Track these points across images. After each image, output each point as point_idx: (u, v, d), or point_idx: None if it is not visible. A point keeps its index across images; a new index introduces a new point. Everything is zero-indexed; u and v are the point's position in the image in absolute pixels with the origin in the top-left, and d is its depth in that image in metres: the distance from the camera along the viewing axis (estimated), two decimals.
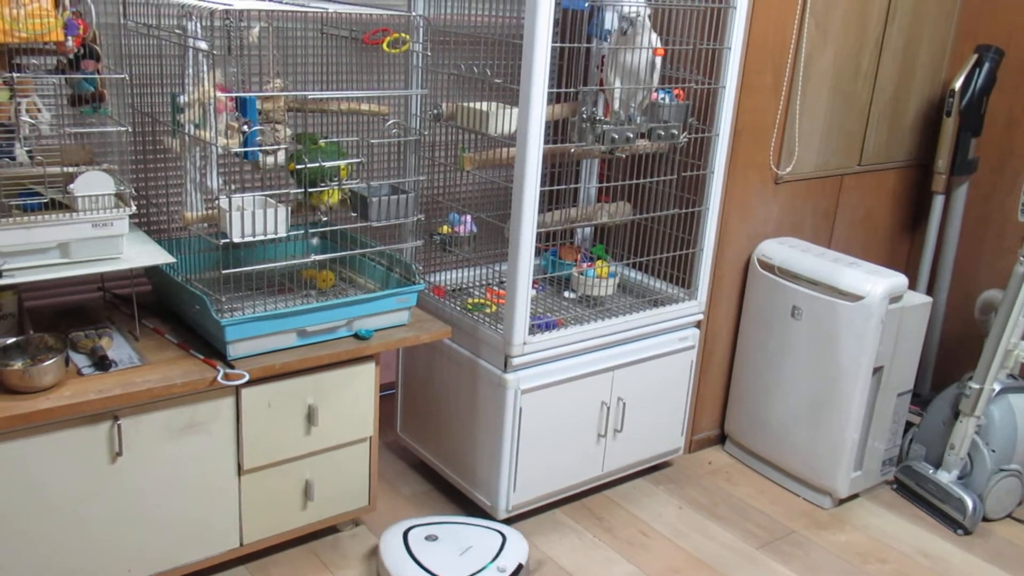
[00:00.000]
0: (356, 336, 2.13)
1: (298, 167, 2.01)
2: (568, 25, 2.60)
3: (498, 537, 2.23)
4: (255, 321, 1.95)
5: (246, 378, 1.91)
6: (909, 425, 2.98)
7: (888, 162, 3.26)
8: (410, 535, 2.20)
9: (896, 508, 2.82)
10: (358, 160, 2.07)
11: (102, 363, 1.88)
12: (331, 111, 2.24)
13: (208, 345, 2.02)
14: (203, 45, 1.86)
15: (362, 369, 2.16)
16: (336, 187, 2.05)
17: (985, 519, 2.76)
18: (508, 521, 2.54)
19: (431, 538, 2.19)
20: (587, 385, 2.49)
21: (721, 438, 3.13)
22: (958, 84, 3.07)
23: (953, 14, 3.24)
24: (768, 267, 2.84)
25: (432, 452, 2.68)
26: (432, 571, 2.07)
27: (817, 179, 3.03)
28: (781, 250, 2.84)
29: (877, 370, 2.69)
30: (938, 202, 3.25)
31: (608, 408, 2.56)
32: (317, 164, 2.00)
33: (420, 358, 2.64)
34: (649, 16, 2.24)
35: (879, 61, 3.06)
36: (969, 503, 2.68)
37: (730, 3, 2.43)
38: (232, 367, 1.93)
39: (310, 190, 2.02)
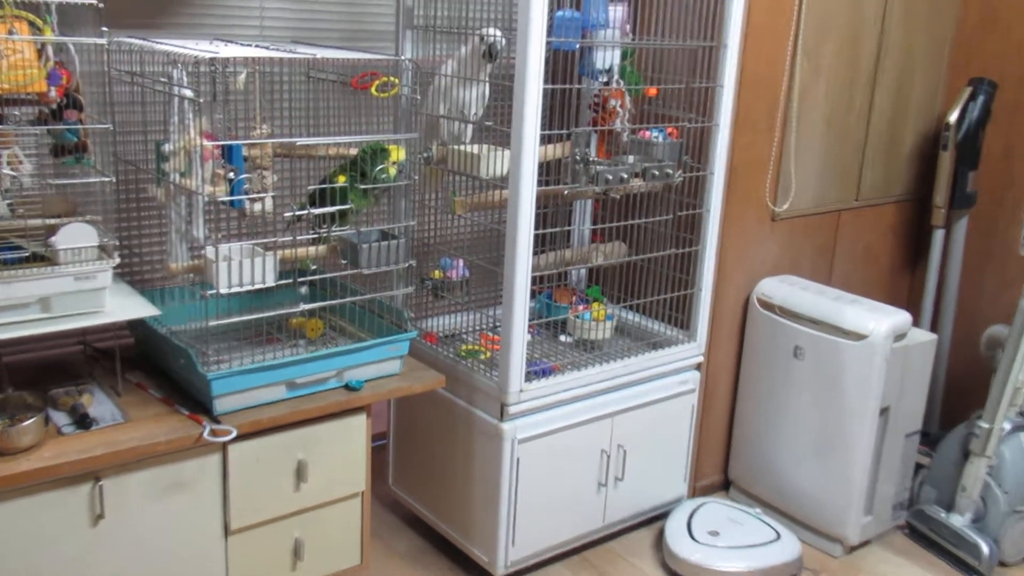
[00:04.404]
0: (347, 387, 2.13)
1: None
2: (558, 66, 2.64)
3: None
4: (243, 374, 1.94)
5: (233, 434, 1.89)
6: (919, 467, 2.97)
7: (886, 197, 3.29)
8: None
9: (909, 554, 2.80)
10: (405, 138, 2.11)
11: (83, 421, 1.87)
12: (319, 157, 2.25)
13: (193, 400, 2.00)
14: (188, 93, 1.88)
15: (353, 421, 2.15)
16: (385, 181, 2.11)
17: (1002, 563, 2.74)
18: None
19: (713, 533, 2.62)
20: (586, 432, 2.48)
21: (725, 484, 3.11)
22: (953, 117, 3.13)
23: (945, 47, 3.30)
24: (768, 306, 2.85)
25: (426, 506, 2.65)
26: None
27: (814, 215, 3.06)
28: (781, 288, 2.86)
29: (884, 410, 2.69)
30: (938, 236, 3.29)
31: (608, 456, 2.55)
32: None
33: (413, 408, 2.63)
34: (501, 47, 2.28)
35: (872, 96, 3.11)
36: (984, 548, 2.66)
37: (722, 41, 2.48)
38: (219, 422, 1.92)
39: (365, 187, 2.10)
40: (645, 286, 2.70)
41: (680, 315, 2.69)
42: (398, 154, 2.13)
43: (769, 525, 2.69)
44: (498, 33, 2.25)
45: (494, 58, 2.27)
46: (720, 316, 2.89)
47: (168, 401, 2.00)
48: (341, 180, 2.08)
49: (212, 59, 1.86)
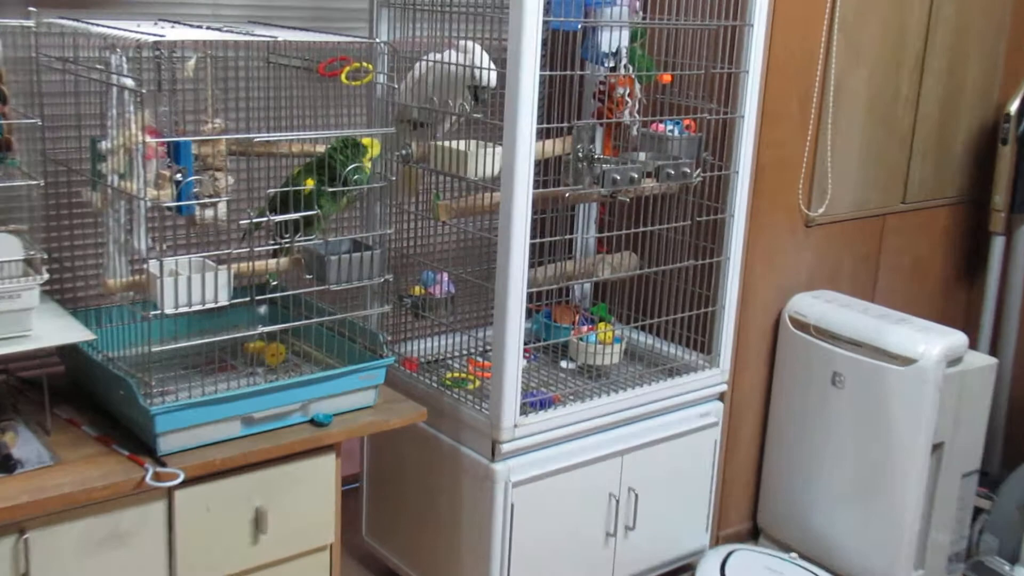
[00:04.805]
0: (312, 422, 2.13)
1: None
2: (557, 49, 2.66)
3: None
4: (191, 408, 1.94)
5: (181, 478, 1.89)
6: (978, 512, 2.98)
7: (937, 199, 3.32)
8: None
9: None
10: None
11: (5, 464, 1.87)
12: (281, 155, 2.26)
13: (134, 438, 2.01)
14: (129, 82, 1.89)
15: (320, 462, 2.15)
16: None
17: None
18: None
19: None
20: (591, 474, 2.49)
21: (754, 533, 3.12)
22: (1014, 107, 3.16)
23: (1004, 26, 3.34)
24: (802, 326, 2.87)
25: (405, 560, 2.65)
26: None
27: (855, 220, 3.09)
28: (817, 305, 2.88)
29: (936, 447, 2.70)
30: (998, 244, 3.31)
31: (617, 501, 2.56)
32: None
33: (390, 446, 2.63)
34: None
35: (921, 82, 3.14)
36: None
37: (746, 20, 2.51)
38: (164, 464, 1.92)
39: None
40: (659, 303, 2.71)
41: (700, 337, 2.70)
42: (374, 150, 2.14)
43: (813, 572, 2.69)
44: (491, 72, 2.26)
45: (479, 102, 2.28)
46: (747, 338, 2.90)
47: (105, 440, 2.00)
48: (309, 183, 2.09)
49: (156, 43, 1.87)
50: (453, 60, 2.29)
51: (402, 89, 2.43)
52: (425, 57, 2.39)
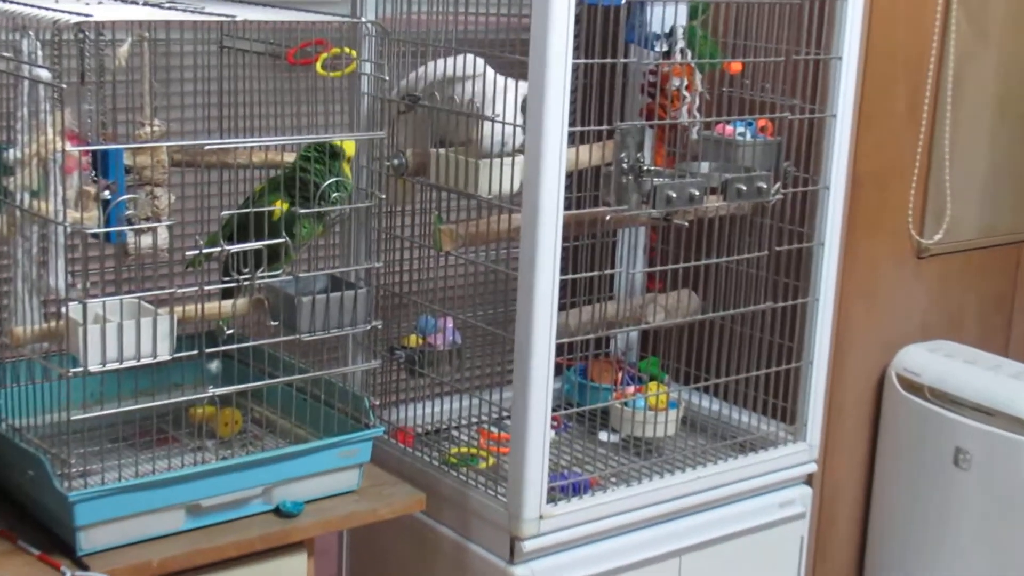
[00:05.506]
0: (278, 512, 2.13)
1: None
2: (595, 29, 2.66)
3: None
4: (121, 493, 1.94)
5: None
6: None
7: None
8: None
9: None
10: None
11: None
12: (239, 166, 2.26)
13: (47, 532, 2.01)
14: (44, 74, 1.90)
15: (287, 563, 2.15)
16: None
17: None
18: None
19: None
20: None
21: None
22: None
23: None
24: (914, 388, 2.85)
25: None
26: None
27: (982, 250, 3.07)
28: (933, 361, 2.86)
29: None
30: None
31: None
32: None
33: (377, 542, 2.63)
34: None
35: None
36: None
37: None
38: (85, 567, 1.91)
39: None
40: (727, 357, 2.70)
41: (781, 401, 2.69)
42: (348, 150, 2.15)
43: None
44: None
45: None
46: (841, 403, 2.88)
47: (9, 534, 2.00)
48: (278, 205, 2.10)
49: (80, 23, 1.88)
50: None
51: (412, 78, 2.42)
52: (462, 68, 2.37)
